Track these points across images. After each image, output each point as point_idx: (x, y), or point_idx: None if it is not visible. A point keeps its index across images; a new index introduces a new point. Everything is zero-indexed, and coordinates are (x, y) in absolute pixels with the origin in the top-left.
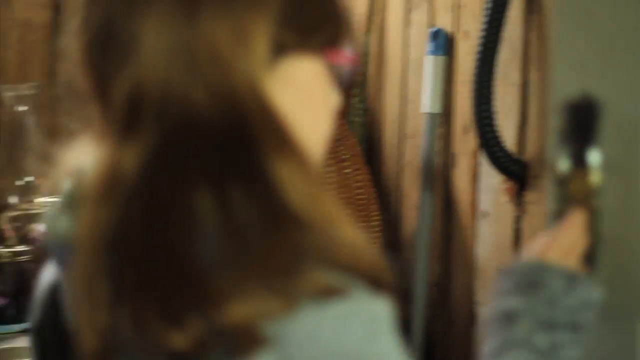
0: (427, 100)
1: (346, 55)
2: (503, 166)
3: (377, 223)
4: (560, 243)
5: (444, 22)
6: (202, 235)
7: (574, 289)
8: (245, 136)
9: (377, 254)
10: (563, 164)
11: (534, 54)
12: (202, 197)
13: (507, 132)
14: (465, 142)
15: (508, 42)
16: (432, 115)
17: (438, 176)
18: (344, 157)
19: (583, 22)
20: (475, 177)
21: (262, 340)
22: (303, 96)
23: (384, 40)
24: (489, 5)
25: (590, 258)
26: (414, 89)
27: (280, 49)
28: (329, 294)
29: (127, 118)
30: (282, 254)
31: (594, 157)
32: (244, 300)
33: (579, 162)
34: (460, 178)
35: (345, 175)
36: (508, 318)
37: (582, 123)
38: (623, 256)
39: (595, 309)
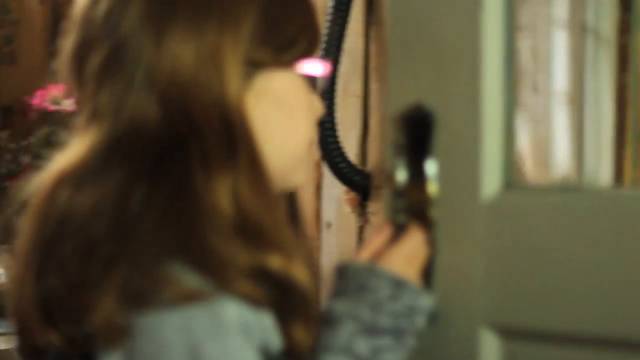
0: None
1: (320, 65)
2: (346, 177)
3: None
4: (401, 253)
5: None
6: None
7: (400, 295)
8: (186, 148)
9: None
10: (400, 175)
11: (374, 65)
12: (130, 195)
13: (349, 143)
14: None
15: (349, 54)
16: None
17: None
18: None
19: (418, 33)
20: (318, 188)
21: (122, 334)
22: (282, 107)
23: None
24: (330, 17)
25: (429, 267)
26: None
27: (255, 65)
28: (186, 296)
29: (89, 116)
30: (152, 256)
31: (430, 168)
32: (109, 299)
33: (416, 173)
34: (304, 189)
35: None
36: (332, 321)
37: (417, 134)
38: (461, 265)
39: (423, 315)
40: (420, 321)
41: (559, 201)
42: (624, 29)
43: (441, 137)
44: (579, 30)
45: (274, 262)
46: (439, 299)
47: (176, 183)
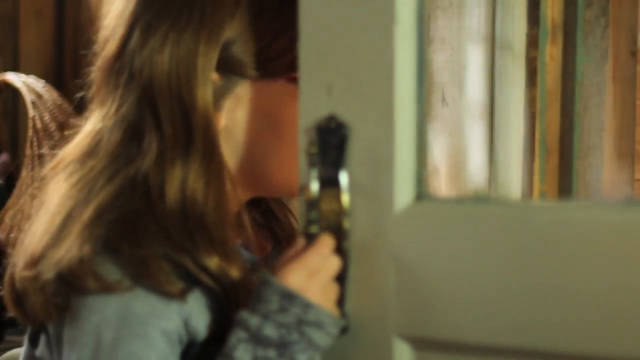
0: None
1: None
2: None
3: None
4: (306, 264)
5: None
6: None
7: (288, 307)
8: (148, 144)
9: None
10: (313, 186)
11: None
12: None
13: None
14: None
15: None
16: None
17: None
18: None
19: (331, 45)
20: None
21: (58, 312)
22: (265, 115)
23: None
24: None
25: (341, 279)
26: None
27: (235, 72)
28: (104, 287)
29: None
30: (85, 243)
31: (343, 178)
32: (49, 279)
33: (329, 183)
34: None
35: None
36: (232, 328)
37: (330, 145)
38: (374, 276)
39: (319, 329)
40: (317, 335)
41: (469, 213)
42: (532, 43)
43: (354, 148)
44: (491, 44)
45: (210, 260)
46: (352, 309)
47: (132, 174)
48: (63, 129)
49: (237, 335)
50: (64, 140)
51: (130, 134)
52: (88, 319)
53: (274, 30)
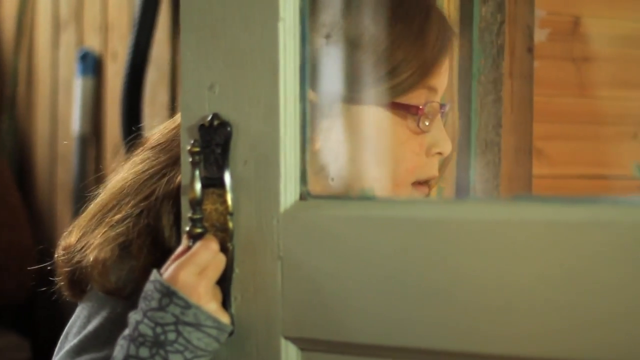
0: (77, 122)
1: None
2: None
3: (29, 245)
4: (195, 261)
5: (93, 43)
6: None
7: (166, 306)
8: None
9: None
10: (196, 186)
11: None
12: None
13: None
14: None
15: (156, 64)
16: (82, 137)
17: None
18: None
19: (214, 43)
20: None
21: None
22: (362, 140)
23: (33, 61)
24: (136, 27)
25: (226, 278)
26: (64, 111)
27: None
28: (109, 290)
29: None
30: None
31: (227, 178)
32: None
33: (213, 183)
34: None
35: None
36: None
37: (214, 144)
38: (261, 276)
39: (197, 329)
40: (195, 336)
41: (353, 212)
42: None
43: (239, 146)
44: None
45: None
46: (238, 310)
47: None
48: None
49: (123, 333)
50: None
51: None
52: (84, 308)
53: (375, 56)
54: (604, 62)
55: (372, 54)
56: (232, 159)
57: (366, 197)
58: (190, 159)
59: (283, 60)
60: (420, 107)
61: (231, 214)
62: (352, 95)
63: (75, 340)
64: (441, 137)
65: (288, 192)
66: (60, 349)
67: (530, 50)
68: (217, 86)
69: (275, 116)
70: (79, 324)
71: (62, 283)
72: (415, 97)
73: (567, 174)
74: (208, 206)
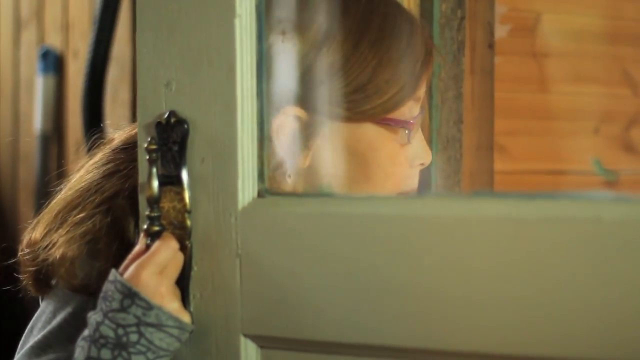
0: (38, 121)
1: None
2: None
3: None
4: (155, 260)
5: (54, 42)
6: None
7: (128, 307)
8: None
9: None
10: (154, 184)
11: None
12: None
13: None
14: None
15: (117, 61)
16: (44, 135)
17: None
18: None
19: (169, 39)
20: None
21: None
22: (355, 158)
23: None
24: (96, 24)
25: (184, 276)
26: (26, 109)
27: (329, 114)
28: (74, 286)
29: None
30: None
31: (184, 176)
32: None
33: (171, 181)
34: None
35: None
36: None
37: (171, 142)
38: (220, 274)
39: (159, 330)
40: (157, 337)
41: (311, 209)
42: None
43: (196, 144)
44: None
45: None
46: (197, 308)
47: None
48: None
49: (83, 334)
50: None
51: None
52: (50, 303)
53: (367, 74)
54: (565, 57)
55: (361, 74)
56: (190, 156)
57: (324, 194)
58: (147, 157)
59: (240, 57)
60: (411, 121)
61: (189, 212)
62: (343, 113)
63: (39, 336)
64: (423, 147)
65: (246, 190)
66: (24, 342)
67: (491, 46)
68: (173, 83)
69: (233, 113)
70: (44, 319)
71: (28, 281)
72: (406, 110)
73: (529, 169)
74: (166, 204)
